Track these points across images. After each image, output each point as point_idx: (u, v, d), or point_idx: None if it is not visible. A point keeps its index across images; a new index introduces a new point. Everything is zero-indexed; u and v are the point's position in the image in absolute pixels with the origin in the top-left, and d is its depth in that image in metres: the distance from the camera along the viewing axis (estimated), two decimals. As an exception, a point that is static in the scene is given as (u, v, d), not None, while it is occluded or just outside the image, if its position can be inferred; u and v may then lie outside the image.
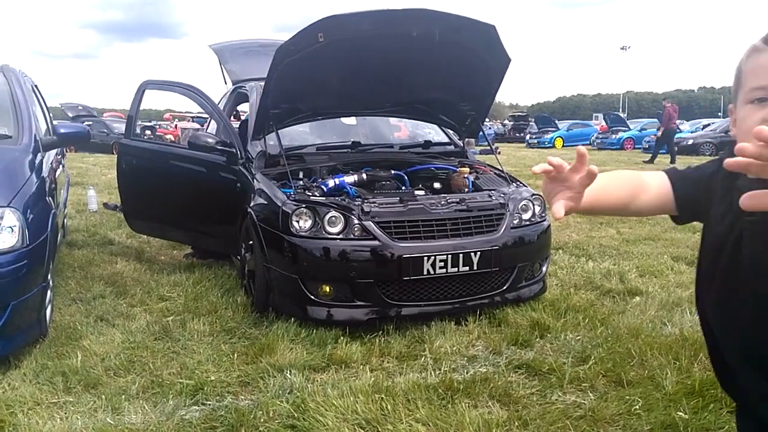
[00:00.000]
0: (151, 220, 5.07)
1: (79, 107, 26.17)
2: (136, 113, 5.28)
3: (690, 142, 22.49)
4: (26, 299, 2.91)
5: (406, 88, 4.27)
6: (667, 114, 17.59)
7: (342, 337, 3.33)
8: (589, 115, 78.21)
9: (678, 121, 20.88)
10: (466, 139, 4.88)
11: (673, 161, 16.97)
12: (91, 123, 24.02)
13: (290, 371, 2.91)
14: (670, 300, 3.97)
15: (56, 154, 5.73)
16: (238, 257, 4.23)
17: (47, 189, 3.61)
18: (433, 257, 3.42)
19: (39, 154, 3.72)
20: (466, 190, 4.10)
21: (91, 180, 11.99)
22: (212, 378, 2.87)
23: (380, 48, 3.81)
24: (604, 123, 32.27)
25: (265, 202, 3.75)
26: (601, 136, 29.39)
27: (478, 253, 3.52)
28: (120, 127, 24.18)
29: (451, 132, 4.95)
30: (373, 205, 3.51)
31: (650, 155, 17.78)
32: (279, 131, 4.16)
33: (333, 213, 3.44)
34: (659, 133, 17.87)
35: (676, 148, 18.14)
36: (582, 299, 4.04)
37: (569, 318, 3.62)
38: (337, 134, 4.75)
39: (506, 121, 44.59)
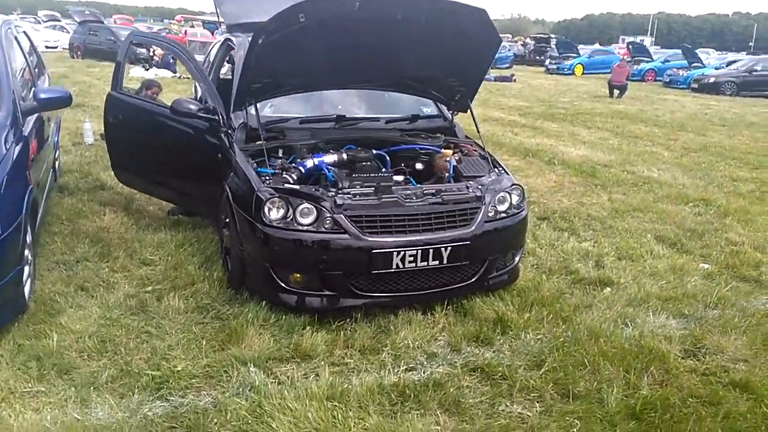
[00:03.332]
0: (137, 175, 5.11)
1: (86, 12, 25.58)
2: (123, 62, 5.20)
3: (712, 80, 21.87)
4: (1, 286, 3.00)
5: (393, 65, 4.15)
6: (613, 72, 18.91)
7: (309, 326, 3.44)
8: (616, 37, 75.65)
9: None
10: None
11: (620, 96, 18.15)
12: (97, 31, 23.60)
13: (253, 365, 3.04)
14: (639, 296, 4.03)
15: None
16: (219, 227, 4.29)
17: (25, 163, 3.63)
18: (402, 252, 3.47)
19: (18, 124, 3.71)
20: (446, 174, 4.09)
21: (93, 99, 11.93)
22: (179, 368, 3.00)
23: (365, 27, 3.70)
24: (626, 49, 31.30)
25: (241, 183, 3.77)
26: (625, 58, 28.44)
27: (449, 248, 3.56)
28: (127, 33, 23.69)
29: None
30: (346, 197, 3.52)
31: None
32: (263, 101, 4.13)
33: (305, 204, 3.46)
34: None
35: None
36: (552, 288, 4.10)
37: (534, 313, 3.70)
38: (324, 104, 4.67)
39: (528, 41, 43.28)
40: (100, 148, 7.46)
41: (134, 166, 5.06)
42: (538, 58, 36.32)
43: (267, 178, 3.67)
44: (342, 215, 3.45)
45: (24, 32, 5.53)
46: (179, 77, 17.20)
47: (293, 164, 3.94)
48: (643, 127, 12.32)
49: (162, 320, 3.49)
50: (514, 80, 23.65)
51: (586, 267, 4.51)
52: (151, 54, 18.67)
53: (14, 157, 3.42)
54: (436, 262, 3.56)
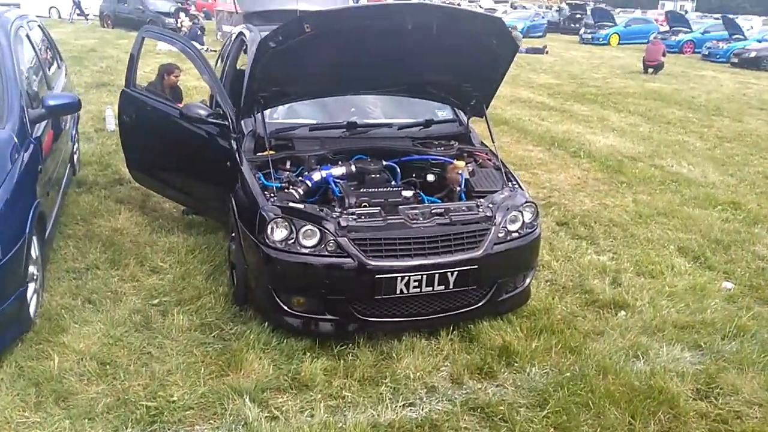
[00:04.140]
0: (150, 176, 5.08)
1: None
2: (137, 57, 5.15)
3: (753, 54, 20.98)
4: (2, 310, 3.00)
5: (405, 71, 4.00)
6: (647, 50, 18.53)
7: (310, 351, 3.40)
8: (656, 2, 73.06)
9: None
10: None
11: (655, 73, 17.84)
12: (127, 1, 23.60)
13: (249, 398, 2.99)
14: (654, 323, 3.87)
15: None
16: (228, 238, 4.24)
17: (33, 175, 3.60)
18: (407, 277, 3.38)
19: (25, 134, 3.67)
20: (458, 188, 3.96)
21: (119, 77, 11.88)
22: (175, 397, 2.98)
23: (375, 36, 3.56)
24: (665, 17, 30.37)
25: (246, 198, 3.70)
26: (659, 36, 27.44)
27: (455, 272, 3.46)
28: (156, 3, 23.61)
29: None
30: (350, 218, 3.42)
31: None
32: (273, 107, 4.07)
33: (309, 226, 3.37)
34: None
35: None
36: (564, 310, 3.98)
37: (542, 341, 3.59)
38: (335, 109, 4.54)
39: (563, 5, 41.93)
40: (120, 134, 7.46)
41: (148, 167, 5.04)
42: (572, 26, 35.27)
43: (272, 194, 3.59)
44: (346, 238, 3.35)
45: (38, 26, 5.48)
46: (206, 50, 17.04)
47: (300, 177, 3.85)
48: (677, 110, 11.88)
49: (165, 339, 3.48)
50: (546, 52, 23.00)
51: (602, 284, 4.37)
52: (179, 25, 18.57)
53: (18, 173, 3.37)
54: (442, 287, 3.46)
